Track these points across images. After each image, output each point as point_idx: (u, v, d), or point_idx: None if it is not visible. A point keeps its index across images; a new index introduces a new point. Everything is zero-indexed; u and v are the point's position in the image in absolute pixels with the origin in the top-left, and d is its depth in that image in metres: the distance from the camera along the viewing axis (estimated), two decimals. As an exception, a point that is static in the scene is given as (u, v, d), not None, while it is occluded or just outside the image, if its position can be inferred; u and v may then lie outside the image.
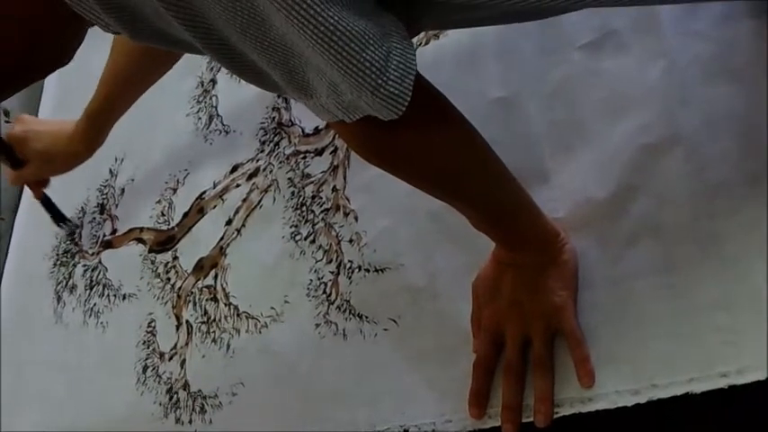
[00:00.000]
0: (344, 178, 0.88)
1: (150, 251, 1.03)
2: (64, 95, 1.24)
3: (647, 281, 0.66)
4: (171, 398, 0.93)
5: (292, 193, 0.91)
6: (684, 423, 0.61)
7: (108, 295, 1.05)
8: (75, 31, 0.54)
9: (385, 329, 0.78)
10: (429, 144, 0.59)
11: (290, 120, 0.96)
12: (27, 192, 1.25)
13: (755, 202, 0.62)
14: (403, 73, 0.49)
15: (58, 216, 1.12)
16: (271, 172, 0.95)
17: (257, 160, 0.97)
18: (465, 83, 0.80)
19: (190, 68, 1.09)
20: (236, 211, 0.96)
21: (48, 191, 1.08)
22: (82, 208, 1.16)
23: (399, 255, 0.80)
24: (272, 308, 0.87)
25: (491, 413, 0.69)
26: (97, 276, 1.08)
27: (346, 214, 0.86)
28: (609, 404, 0.64)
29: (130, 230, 1.07)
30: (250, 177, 0.97)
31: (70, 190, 1.15)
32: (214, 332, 0.91)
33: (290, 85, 0.51)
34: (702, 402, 0.60)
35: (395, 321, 0.78)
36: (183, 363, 0.93)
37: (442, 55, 0.84)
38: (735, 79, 0.67)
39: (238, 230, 0.95)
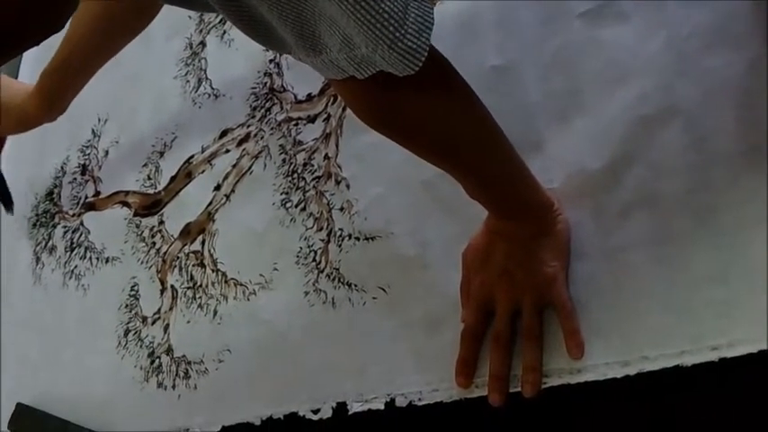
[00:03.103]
0: (337, 146, 0.87)
1: (135, 215, 1.02)
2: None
3: (641, 253, 0.66)
4: (152, 362, 0.92)
5: (283, 159, 0.90)
6: (675, 395, 0.61)
7: (90, 258, 1.04)
8: None
9: (374, 298, 0.78)
10: (433, 107, 0.58)
11: (282, 86, 0.95)
12: (5, 151, 1.22)
13: (753, 174, 0.62)
14: (421, 27, 0.48)
15: (3, 193, 1.09)
16: (262, 138, 0.94)
17: (248, 126, 0.96)
18: (462, 50, 0.79)
19: (177, 30, 1.07)
20: (226, 177, 0.95)
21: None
22: (61, 167, 1.14)
23: (390, 223, 0.80)
24: (261, 275, 0.87)
25: (478, 383, 0.69)
26: (78, 238, 1.07)
27: (338, 182, 0.85)
28: (598, 376, 0.64)
29: (115, 193, 1.06)
30: (240, 143, 0.95)
31: (49, 148, 1.13)
32: (200, 298, 0.91)
33: (299, 40, 0.50)
34: (693, 375, 0.61)
35: (384, 290, 0.78)
36: (166, 327, 0.93)
37: (440, 22, 0.81)
38: (735, 50, 0.67)
39: (227, 196, 0.94)
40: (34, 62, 1.20)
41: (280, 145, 0.92)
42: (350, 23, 0.47)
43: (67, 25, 0.84)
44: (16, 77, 1.25)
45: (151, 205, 1.01)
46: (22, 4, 0.43)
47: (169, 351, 0.91)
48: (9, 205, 1.09)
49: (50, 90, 0.91)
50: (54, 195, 1.14)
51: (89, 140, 1.12)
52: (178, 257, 0.95)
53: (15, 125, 0.95)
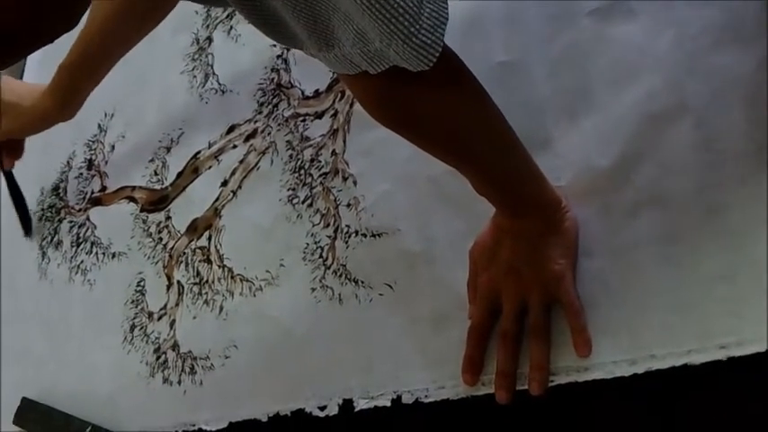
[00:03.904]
0: (344, 142, 0.87)
1: (142, 210, 1.02)
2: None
3: (649, 251, 0.66)
4: (158, 358, 0.92)
5: (290, 155, 0.90)
6: (682, 394, 0.61)
7: (96, 253, 1.04)
8: None
9: (380, 294, 0.78)
10: (444, 103, 0.58)
11: (290, 82, 0.95)
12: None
13: (762, 173, 0.62)
14: (436, 22, 0.48)
15: (18, 201, 1.08)
16: (269, 134, 0.94)
17: (255, 122, 0.96)
18: (469, 46, 0.78)
19: (184, 25, 1.07)
20: (233, 173, 0.95)
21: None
22: (67, 162, 1.14)
23: (397, 220, 0.80)
24: (268, 271, 0.87)
25: (485, 380, 0.69)
26: (85, 233, 1.07)
27: (345, 178, 0.85)
28: (605, 374, 0.64)
29: (122, 188, 1.06)
30: (247, 139, 0.95)
31: (55, 143, 1.13)
32: (206, 294, 0.91)
33: (312, 35, 0.50)
34: (701, 374, 0.61)
35: (390, 287, 0.78)
36: (172, 323, 0.93)
37: (448, 18, 0.83)
38: (744, 48, 0.66)
39: (234, 192, 0.94)
40: (39, 63, 1.21)
41: (287, 141, 0.92)
42: (364, 18, 0.47)
43: (84, 20, 0.85)
44: (21, 78, 1.25)
45: (158, 201, 1.01)
46: (34, 2, 0.43)
47: (175, 347, 0.91)
48: (28, 228, 1.09)
49: (67, 86, 0.91)
50: (60, 190, 1.14)
51: (95, 135, 1.12)
52: (184, 253, 0.95)
53: (29, 126, 0.95)
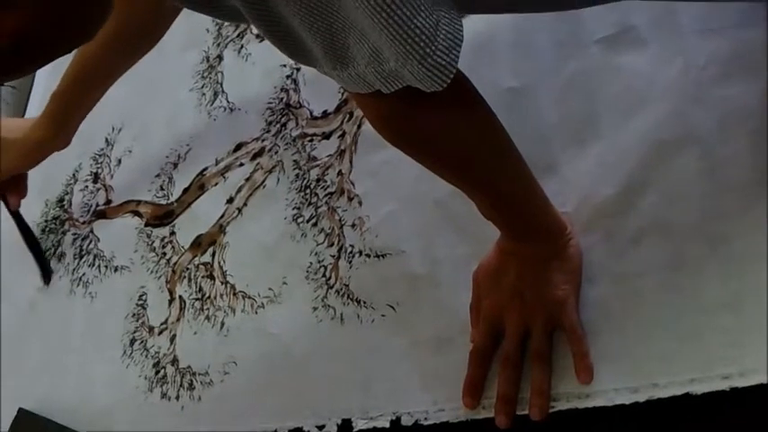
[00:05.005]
0: (351, 163, 0.87)
1: (147, 225, 1.02)
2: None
3: (653, 279, 0.66)
4: (157, 372, 0.92)
5: (297, 175, 0.91)
6: (683, 424, 0.61)
7: (98, 266, 1.04)
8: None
9: (383, 315, 0.78)
10: (455, 124, 0.59)
11: (299, 102, 0.95)
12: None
13: (765, 203, 0.62)
14: (451, 43, 0.49)
15: (33, 245, 1.08)
16: (276, 153, 0.94)
17: (263, 140, 0.96)
18: (478, 71, 0.78)
19: (194, 42, 1.08)
20: (239, 190, 0.95)
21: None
22: (73, 174, 1.15)
23: (401, 241, 0.80)
24: (270, 289, 0.87)
25: (485, 404, 0.69)
26: (88, 246, 1.07)
27: (350, 198, 0.86)
28: (606, 401, 0.64)
29: (126, 202, 1.06)
30: (254, 157, 0.96)
31: (61, 155, 1.13)
32: (208, 309, 0.91)
33: (328, 52, 0.50)
34: (702, 404, 0.61)
35: (393, 308, 0.78)
36: (172, 338, 0.93)
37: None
38: (751, 79, 0.67)
39: (239, 209, 0.94)
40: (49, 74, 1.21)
41: (294, 160, 0.92)
42: (381, 37, 0.47)
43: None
44: (30, 90, 1.26)
45: (163, 216, 1.01)
46: (57, 11, 0.44)
47: (174, 362, 0.91)
48: (48, 276, 1.08)
49: (59, 113, 0.92)
50: (64, 202, 1.14)
51: (102, 149, 1.13)
52: (188, 269, 0.95)
53: (24, 158, 0.96)
